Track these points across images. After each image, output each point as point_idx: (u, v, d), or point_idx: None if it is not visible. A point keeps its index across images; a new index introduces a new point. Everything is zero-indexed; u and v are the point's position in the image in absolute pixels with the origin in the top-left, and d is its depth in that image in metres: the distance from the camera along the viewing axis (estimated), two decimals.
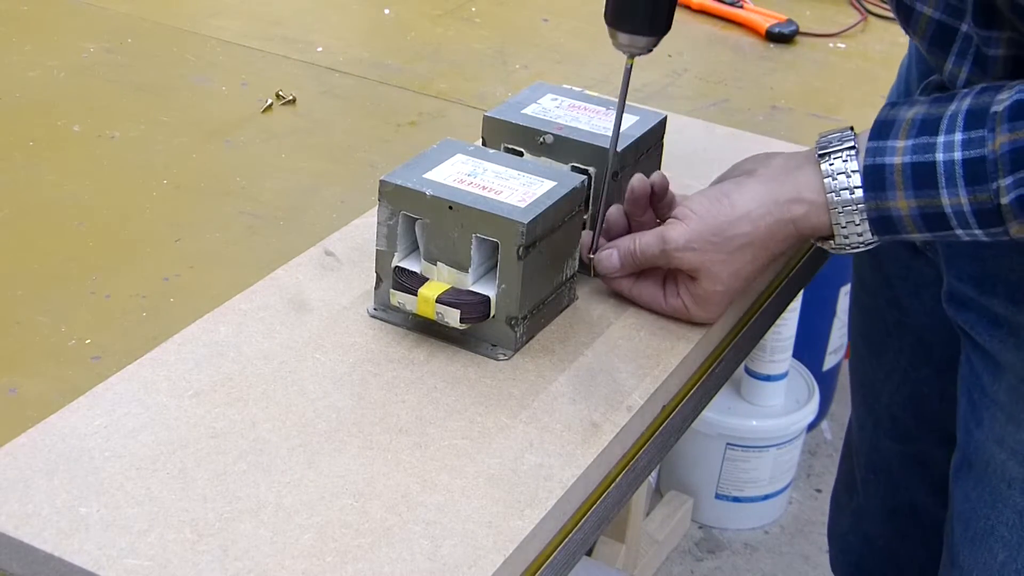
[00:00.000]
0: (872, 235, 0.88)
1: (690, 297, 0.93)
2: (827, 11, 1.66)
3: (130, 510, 0.74)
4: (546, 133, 1.00)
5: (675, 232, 0.91)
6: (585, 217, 0.97)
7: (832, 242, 0.90)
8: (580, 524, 0.82)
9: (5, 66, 1.34)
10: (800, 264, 1.11)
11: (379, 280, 0.93)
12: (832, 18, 1.64)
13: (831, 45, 1.58)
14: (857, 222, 0.87)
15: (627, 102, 0.96)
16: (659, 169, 1.07)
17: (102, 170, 1.16)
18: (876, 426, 1.27)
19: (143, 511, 0.74)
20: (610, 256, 0.96)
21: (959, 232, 0.85)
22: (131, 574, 0.70)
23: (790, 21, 1.58)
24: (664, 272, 0.95)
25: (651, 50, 0.94)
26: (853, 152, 0.87)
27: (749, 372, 2.19)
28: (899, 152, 0.85)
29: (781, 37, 1.57)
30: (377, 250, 0.92)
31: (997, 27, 0.88)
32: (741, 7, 1.61)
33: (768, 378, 2.19)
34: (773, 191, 0.90)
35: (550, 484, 0.79)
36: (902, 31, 1.02)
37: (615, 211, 0.97)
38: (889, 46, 1.57)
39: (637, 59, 0.94)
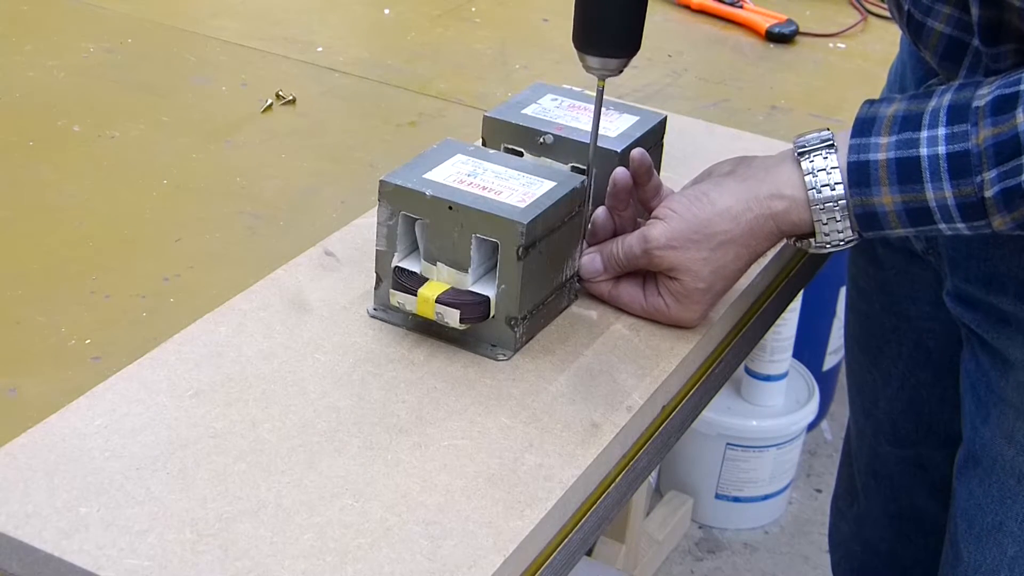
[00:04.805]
0: (853, 232, 0.88)
1: (671, 296, 0.93)
2: (827, 11, 1.66)
3: (130, 510, 0.74)
4: (546, 133, 1.00)
5: (656, 231, 0.91)
6: (587, 218, 0.97)
7: (813, 241, 0.90)
8: (580, 524, 0.82)
9: (5, 66, 1.34)
10: (800, 264, 1.11)
11: (379, 280, 0.93)
12: (832, 18, 1.64)
13: (831, 45, 1.58)
14: (838, 219, 0.87)
15: (626, 102, 0.96)
16: (658, 170, 1.07)
17: (102, 170, 1.16)
18: (876, 432, 1.27)
19: (143, 511, 0.74)
20: (592, 260, 0.96)
21: (942, 226, 0.85)
22: (131, 574, 0.70)
23: (790, 21, 1.58)
24: (644, 274, 0.95)
25: (621, 71, 0.93)
26: (832, 150, 0.87)
27: (749, 372, 2.19)
28: (883, 148, 0.85)
29: (781, 37, 1.57)
30: (377, 250, 0.92)
31: (1003, 42, 0.88)
32: (741, 7, 1.61)
33: (768, 378, 2.19)
34: (752, 188, 0.90)
35: (550, 484, 0.79)
36: (901, 31, 1.02)
37: (601, 213, 0.97)
38: (889, 46, 1.57)
39: (619, 69, 0.94)
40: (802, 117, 1.37)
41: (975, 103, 0.83)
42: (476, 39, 1.52)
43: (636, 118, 1.04)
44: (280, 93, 1.31)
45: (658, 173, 1.06)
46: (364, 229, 1.03)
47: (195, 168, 1.18)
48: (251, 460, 0.79)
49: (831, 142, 0.88)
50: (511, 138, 1.02)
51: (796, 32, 1.57)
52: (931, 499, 1.23)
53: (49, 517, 0.73)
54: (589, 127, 1.00)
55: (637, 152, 0.96)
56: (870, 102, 0.89)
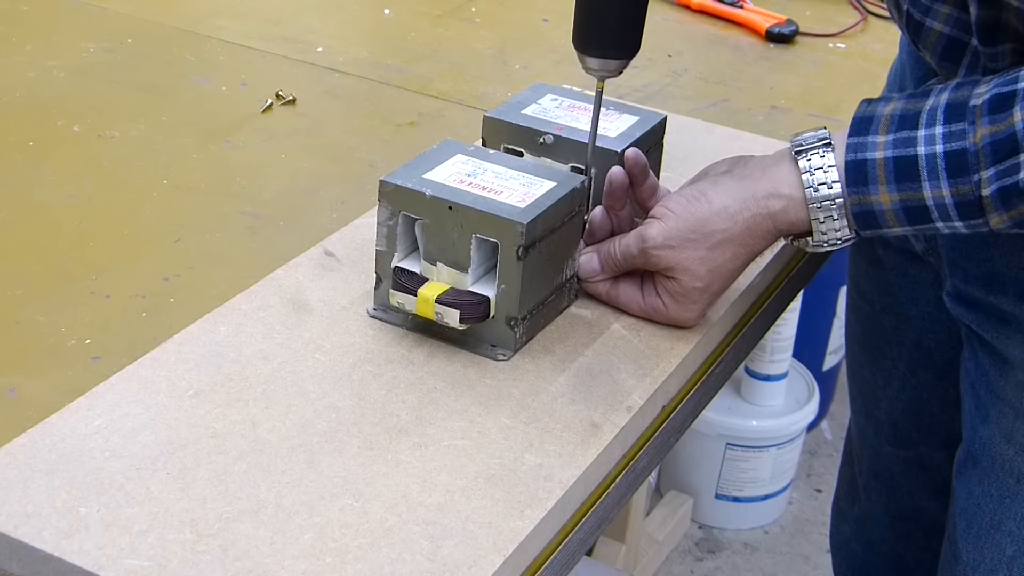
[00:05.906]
0: (850, 231, 0.88)
1: (669, 296, 0.93)
2: (827, 11, 1.66)
3: (130, 510, 0.74)
4: (546, 133, 1.00)
5: (653, 231, 0.91)
6: (585, 218, 0.97)
7: (810, 239, 0.90)
8: (580, 524, 0.82)
9: (5, 66, 1.34)
10: (800, 264, 1.11)
11: (379, 280, 0.93)
12: (832, 18, 1.64)
13: (831, 45, 1.58)
14: (835, 217, 0.88)
15: (626, 102, 0.96)
16: (658, 170, 1.07)
17: (102, 170, 1.16)
18: (877, 433, 1.27)
19: (143, 511, 0.74)
20: (590, 260, 0.96)
21: (939, 225, 0.85)
22: (131, 574, 0.70)
23: (790, 21, 1.58)
24: (642, 274, 0.95)
25: (621, 72, 0.93)
26: (829, 148, 0.87)
27: (749, 372, 2.19)
28: (880, 147, 0.85)
29: (781, 37, 1.57)
30: (377, 250, 0.92)
31: (1001, 42, 0.88)
32: (741, 7, 1.61)
33: (768, 378, 2.19)
34: (750, 187, 0.90)
35: (550, 484, 0.79)
36: (901, 31, 1.02)
37: (598, 212, 0.97)
38: (889, 46, 1.57)
39: (619, 70, 0.94)
40: (802, 117, 1.37)
41: (972, 102, 0.83)
42: (476, 39, 1.52)
43: (636, 118, 1.04)
44: (280, 93, 1.31)
45: (658, 173, 1.06)
46: (364, 229, 1.03)
47: (195, 168, 1.18)
48: (251, 460, 0.79)
49: (828, 141, 0.88)
50: (511, 138, 1.02)
51: (796, 32, 1.57)
52: (932, 499, 1.23)
53: (49, 517, 0.73)
54: (589, 127, 1.00)
55: (631, 152, 0.95)
56: (867, 101, 0.89)
